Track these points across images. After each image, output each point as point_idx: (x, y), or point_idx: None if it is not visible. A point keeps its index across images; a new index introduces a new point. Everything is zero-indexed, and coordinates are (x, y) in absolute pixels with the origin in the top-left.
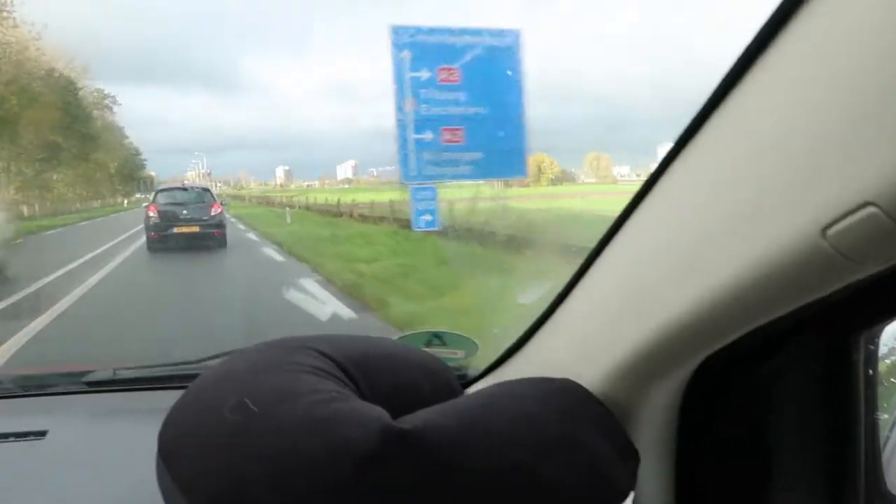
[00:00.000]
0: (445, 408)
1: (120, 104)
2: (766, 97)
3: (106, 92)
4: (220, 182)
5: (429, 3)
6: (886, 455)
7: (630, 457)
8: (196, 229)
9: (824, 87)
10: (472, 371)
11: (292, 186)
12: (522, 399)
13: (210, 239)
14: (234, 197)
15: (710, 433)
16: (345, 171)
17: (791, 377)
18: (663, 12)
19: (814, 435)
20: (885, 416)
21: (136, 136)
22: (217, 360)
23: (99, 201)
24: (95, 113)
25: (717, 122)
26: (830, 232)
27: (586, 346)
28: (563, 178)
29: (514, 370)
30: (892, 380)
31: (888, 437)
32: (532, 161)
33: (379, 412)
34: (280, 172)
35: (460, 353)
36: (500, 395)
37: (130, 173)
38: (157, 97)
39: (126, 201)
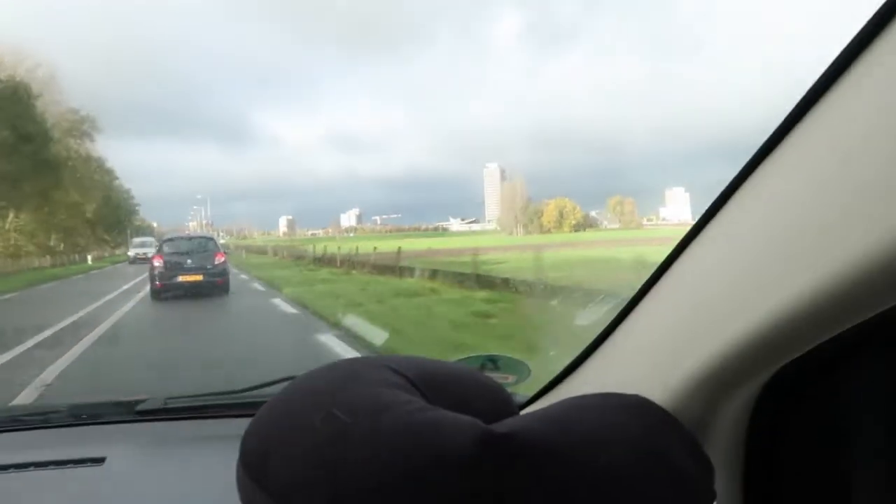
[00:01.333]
0: (534, 415)
1: (101, 130)
2: (851, 110)
3: (84, 114)
4: (222, 231)
5: (432, 59)
6: None
7: (707, 470)
8: (200, 278)
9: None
10: (521, 397)
11: (296, 235)
12: (600, 409)
13: (213, 287)
14: (243, 247)
15: (781, 447)
16: (349, 219)
17: (865, 388)
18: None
19: (891, 449)
20: None
21: (140, 188)
22: (269, 387)
23: (77, 255)
24: (70, 142)
25: (797, 134)
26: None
27: (653, 362)
28: (586, 223)
29: (568, 392)
30: None
31: None
32: (553, 206)
33: (474, 420)
34: (283, 222)
35: (511, 378)
36: (580, 405)
37: (119, 219)
38: (162, 149)
39: (90, 258)
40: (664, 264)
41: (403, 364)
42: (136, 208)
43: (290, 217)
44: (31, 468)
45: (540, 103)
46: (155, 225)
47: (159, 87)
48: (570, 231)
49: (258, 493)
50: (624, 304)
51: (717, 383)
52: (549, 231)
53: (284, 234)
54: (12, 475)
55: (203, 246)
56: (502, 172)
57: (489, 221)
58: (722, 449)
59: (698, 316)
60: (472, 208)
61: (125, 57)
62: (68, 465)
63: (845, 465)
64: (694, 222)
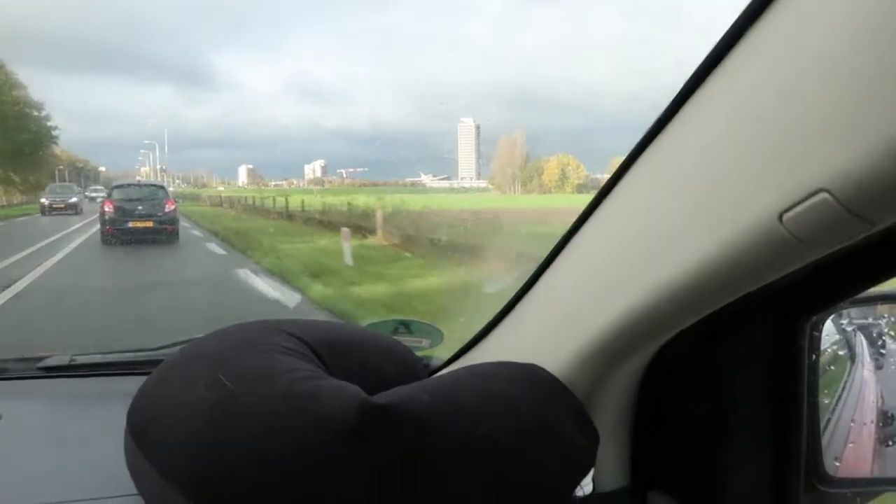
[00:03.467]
0: (417, 386)
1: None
2: (726, 97)
3: None
4: (178, 178)
5: (404, 5)
6: (826, 438)
7: (592, 437)
8: (150, 224)
9: (779, 88)
10: (436, 361)
11: (260, 185)
12: (492, 378)
13: (163, 234)
14: (192, 198)
15: (664, 414)
16: (313, 171)
17: (741, 360)
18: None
19: (761, 416)
20: (826, 401)
21: (89, 130)
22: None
23: None
24: None
25: (678, 121)
26: (787, 217)
27: (550, 334)
28: (589, 184)
29: (478, 358)
30: (830, 367)
31: (828, 421)
32: (555, 163)
33: (356, 389)
34: (243, 171)
35: (425, 342)
36: (469, 374)
37: (29, 152)
38: (113, 88)
39: None
40: (565, 237)
41: (307, 329)
42: (55, 139)
43: (250, 167)
44: None
45: (520, 59)
46: (103, 169)
47: (109, 18)
48: (573, 192)
49: (139, 456)
50: (530, 274)
51: (606, 355)
52: (549, 191)
53: (244, 184)
54: None
55: (153, 194)
56: (477, 128)
57: (462, 178)
58: (610, 418)
59: (590, 290)
60: (443, 164)
61: None
62: None
63: (718, 431)
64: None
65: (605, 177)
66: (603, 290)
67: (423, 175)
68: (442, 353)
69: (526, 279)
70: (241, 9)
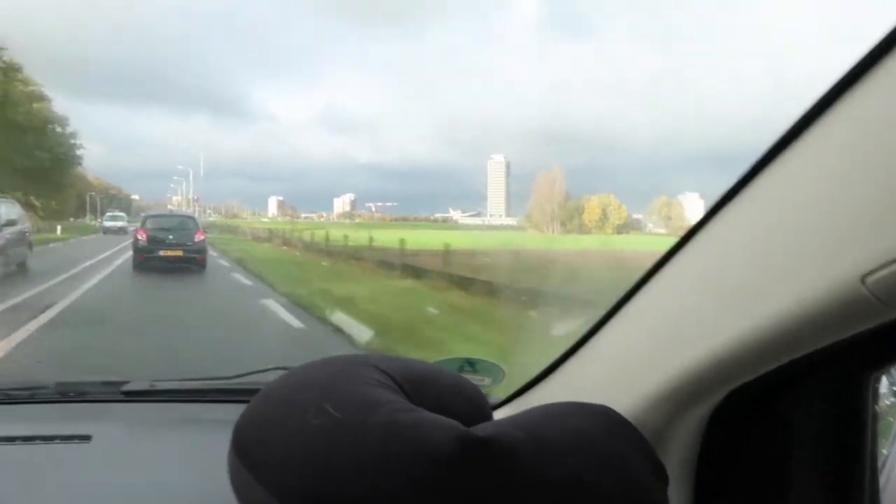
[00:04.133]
0: (506, 421)
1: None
2: (814, 158)
3: None
4: (210, 209)
5: (437, 41)
6: (881, 485)
7: (663, 479)
8: (180, 253)
9: (867, 152)
10: (494, 398)
11: (289, 217)
12: (570, 417)
13: (192, 263)
14: (229, 230)
15: (728, 458)
16: (343, 204)
17: (807, 408)
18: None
19: (825, 465)
20: (884, 451)
21: (123, 158)
22: (256, 375)
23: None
24: None
25: (768, 175)
26: (870, 279)
27: (622, 374)
28: (630, 225)
29: (541, 397)
30: (889, 419)
31: (882, 467)
32: (597, 202)
33: (454, 422)
34: (273, 203)
35: (487, 381)
36: (547, 413)
37: (56, 176)
38: (148, 117)
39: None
40: (638, 283)
41: (389, 363)
42: (79, 160)
43: (280, 198)
44: (18, 442)
45: (552, 95)
46: (136, 197)
47: (149, 48)
48: (614, 232)
49: (251, 481)
50: (598, 317)
51: (677, 399)
52: (589, 231)
53: (274, 215)
54: (1, 448)
55: (184, 224)
56: (508, 165)
57: (492, 215)
58: (677, 460)
59: (664, 335)
60: (472, 200)
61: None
62: (55, 441)
63: (781, 480)
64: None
65: (645, 217)
66: (678, 335)
67: (451, 211)
68: (497, 391)
69: (593, 322)
70: (277, 42)
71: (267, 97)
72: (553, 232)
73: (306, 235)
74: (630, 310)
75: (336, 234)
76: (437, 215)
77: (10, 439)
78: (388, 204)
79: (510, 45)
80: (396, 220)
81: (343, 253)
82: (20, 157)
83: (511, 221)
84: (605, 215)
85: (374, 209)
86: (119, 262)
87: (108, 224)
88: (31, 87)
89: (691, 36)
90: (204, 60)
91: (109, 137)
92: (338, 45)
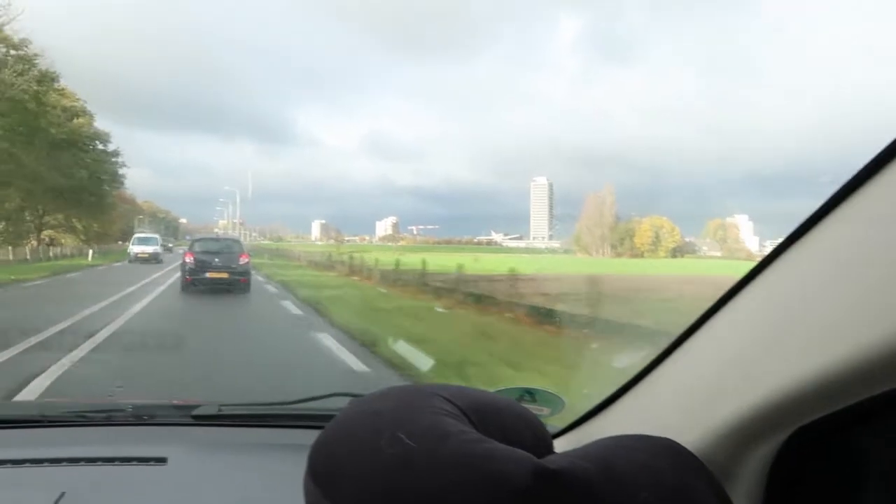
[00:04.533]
0: (575, 453)
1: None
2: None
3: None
4: (255, 232)
5: (479, 66)
6: None
7: None
8: (226, 276)
9: None
10: (551, 428)
11: (332, 240)
12: (637, 450)
13: (236, 284)
14: (279, 254)
15: (797, 497)
16: (385, 227)
17: (881, 445)
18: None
19: None
20: None
21: (172, 182)
22: (317, 401)
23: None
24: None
25: (848, 207)
26: None
27: (686, 408)
28: (684, 248)
29: (601, 428)
30: None
31: None
32: (648, 225)
33: (526, 453)
34: (316, 226)
35: (546, 411)
36: (617, 444)
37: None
38: (201, 144)
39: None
40: (704, 315)
41: (454, 393)
42: (122, 179)
43: (323, 221)
44: (100, 463)
45: (596, 118)
46: (184, 221)
47: (198, 79)
48: (667, 256)
49: (325, 501)
50: (660, 349)
51: (745, 433)
52: (641, 254)
53: (317, 238)
54: (83, 468)
55: (229, 247)
56: (550, 187)
57: (535, 238)
58: (744, 495)
59: (733, 368)
60: (514, 223)
61: (158, 43)
62: (133, 463)
63: None
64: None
65: (699, 240)
66: (748, 370)
67: (494, 234)
68: (554, 421)
69: (654, 354)
70: (324, 69)
71: (312, 123)
72: (603, 255)
73: (366, 260)
74: (695, 342)
75: (387, 259)
76: (481, 238)
77: (92, 460)
78: (430, 227)
79: (555, 70)
80: (440, 242)
81: (401, 279)
82: (57, 174)
83: (554, 244)
84: (657, 238)
85: (415, 232)
86: (141, 306)
87: (136, 249)
88: (71, 102)
89: (739, 57)
90: (252, 88)
91: (160, 163)
92: (382, 72)
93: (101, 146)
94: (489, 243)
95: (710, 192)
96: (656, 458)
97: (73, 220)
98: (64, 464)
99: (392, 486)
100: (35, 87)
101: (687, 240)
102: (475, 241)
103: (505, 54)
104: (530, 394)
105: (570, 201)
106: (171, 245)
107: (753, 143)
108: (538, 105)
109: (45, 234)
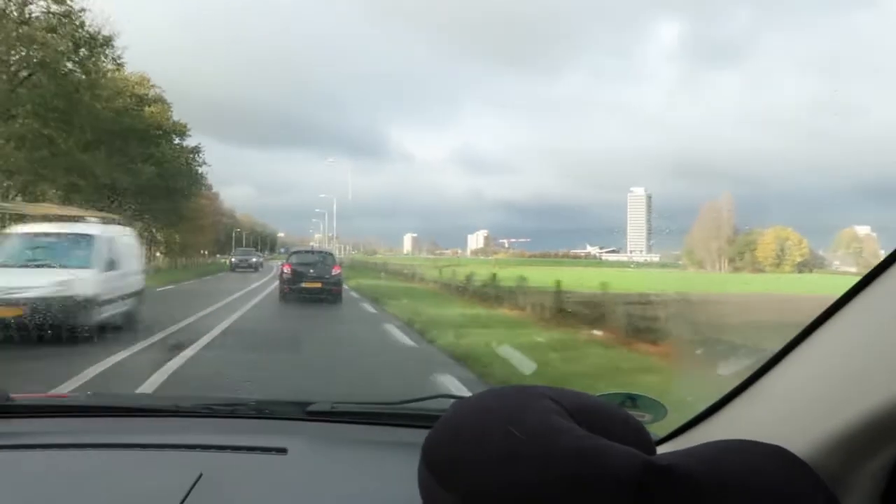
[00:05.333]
0: (682, 452)
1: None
2: None
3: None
4: (348, 245)
5: (573, 76)
6: None
7: None
8: (320, 285)
9: None
10: (653, 435)
11: (423, 255)
12: (745, 455)
13: (329, 294)
14: (403, 278)
15: None
16: (476, 240)
17: None
18: None
19: None
20: None
21: (271, 198)
22: (423, 402)
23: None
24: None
25: None
26: None
27: (796, 416)
28: (812, 262)
29: (702, 435)
30: None
31: None
32: (772, 236)
33: (635, 450)
34: (408, 240)
35: (648, 417)
36: (723, 448)
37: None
38: (299, 160)
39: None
40: (814, 323)
41: (559, 395)
42: (203, 178)
43: (414, 235)
44: (228, 450)
45: (696, 126)
46: (282, 235)
47: (296, 99)
48: (793, 271)
49: (447, 497)
50: (767, 357)
51: (859, 444)
52: (763, 269)
53: (408, 252)
54: (214, 454)
55: (323, 259)
56: (649, 198)
57: (632, 251)
58: None
59: (847, 377)
60: (609, 236)
61: (258, 62)
62: (256, 451)
63: None
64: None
65: (829, 253)
66: (862, 378)
67: (588, 247)
68: (655, 429)
69: (761, 362)
70: (415, 84)
71: (404, 137)
72: (720, 270)
73: (473, 277)
74: (806, 350)
75: (485, 272)
76: (577, 251)
77: (221, 447)
78: (522, 240)
79: (651, 78)
80: (535, 256)
81: (534, 300)
82: (115, 169)
83: (654, 258)
84: (781, 251)
85: (507, 245)
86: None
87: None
88: (144, 90)
89: (855, 59)
90: (347, 105)
91: (260, 179)
92: (473, 84)
93: (177, 141)
94: (586, 256)
95: (825, 202)
96: (766, 463)
97: (154, 229)
98: (198, 450)
99: (506, 477)
100: (72, 46)
101: (819, 253)
102: (572, 254)
103: (599, 63)
104: (632, 399)
105: (670, 213)
106: (260, 259)
107: (868, 150)
108: (634, 114)
109: None
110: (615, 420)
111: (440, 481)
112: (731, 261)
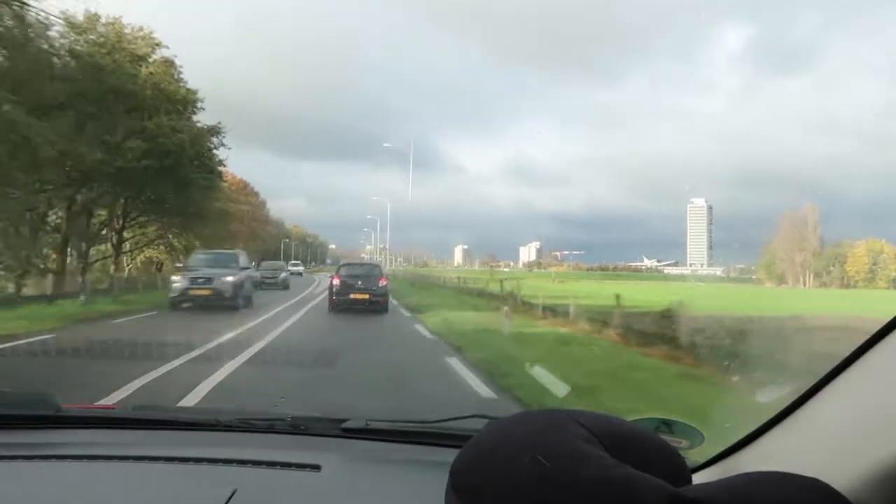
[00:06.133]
0: (716, 484)
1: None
2: None
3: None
4: (400, 257)
5: (628, 84)
6: None
7: None
8: (367, 297)
9: None
10: (690, 462)
11: (474, 267)
12: (780, 487)
13: (376, 305)
14: (421, 285)
15: None
16: (528, 252)
17: None
18: None
19: None
20: None
21: (323, 209)
22: (458, 421)
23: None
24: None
25: None
26: None
27: (836, 448)
28: None
29: (740, 463)
30: None
31: None
32: (864, 249)
33: (663, 482)
34: (458, 251)
35: (685, 443)
36: (758, 480)
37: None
38: (353, 172)
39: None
40: (856, 353)
41: (590, 419)
42: (222, 163)
43: (465, 247)
44: (263, 466)
45: (761, 135)
46: (333, 246)
47: (355, 108)
48: (889, 286)
49: None
50: (808, 385)
51: None
52: (854, 284)
53: (459, 264)
54: (249, 469)
55: (371, 271)
56: (710, 209)
57: (692, 264)
58: None
59: (888, 409)
60: (667, 248)
61: (316, 77)
62: (292, 468)
63: None
64: None
65: None
66: None
67: (645, 259)
68: (693, 455)
69: (801, 391)
70: (468, 94)
71: (455, 149)
72: (805, 285)
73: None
74: (848, 379)
75: (544, 286)
76: (634, 263)
77: (257, 463)
78: (576, 252)
79: (713, 86)
80: (593, 269)
81: (636, 327)
82: (103, 151)
83: (715, 271)
84: (874, 265)
85: (559, 257)
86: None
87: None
88: (146, 47)
89: None
90: (399, 116)
91: (311, 191)
92: (527, 95)
93: (194, 117)
94: (647, 269)
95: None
96: (801, 496)
97: (170, 234)
98: (234, 464)
99: (534, 502)
100: None
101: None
102: (632, 266)
103: (658, 71)
104: (667, 425)
105: (733, 225)
106: (299, 270)
107: None
108: (695, 122)
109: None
110: (650, 447)
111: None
112: (818, 275)
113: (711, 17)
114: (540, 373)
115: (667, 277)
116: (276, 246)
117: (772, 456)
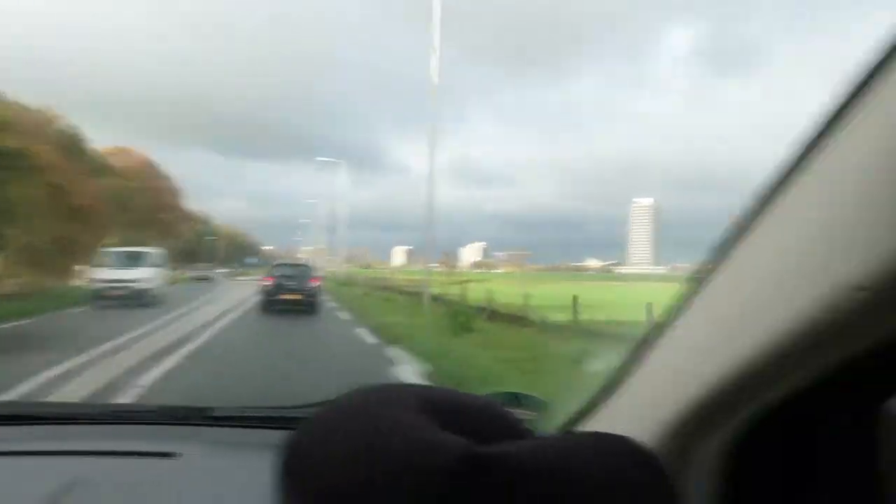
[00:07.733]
0: (512, 443)
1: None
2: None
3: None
4: (339, 258)
5: (575, 85)
6: None
7: None
8: (299, 297)
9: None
10: (542, 434)
11: (417, 267)
12: (583, 444)
13: (307, 305)
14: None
15: (753, 488)
16: (472, 253)
17: (822, 448)
18: None
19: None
20: None
21: (258, 209)
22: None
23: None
24: None
25: (781, 196)
26: (863, 285)
27: (649, 405)
28: None
29: (587, 430)
30: None
31: None
32: None
33: (461, 440)
34: (399, 252)
35: (534, 416)
36: (564, 439)
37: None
38: (295, 173)
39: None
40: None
41: (429, 392)
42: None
43: (410, 248)
44: (116, 455)
45: (709, 136)
46: (270, 248)
47: (301, 109)
48: None
49: (295, 500)
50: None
51: (695, 423)
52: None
53: (402, 265)
54: (98, 459)
55: (303, 272)
56: (656, 210)
57: (635, 263)
58: (698, 488)
59: (679, 361)
60: (611, 248)
61: (262, 77)
62: (146, 457)
63: None
64: None
65: None
66: (685, 363)
67: (589, 259)
68: (545, 427)
69: (625, 356)
70: (416, 92)
71: (400, 149)
72: None
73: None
74: (662, 341)
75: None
76: (577, 263)
77: (102, 453)
78: (522, 252)
79: (662, 87)
80: (544, 270)
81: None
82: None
83: (661, 270)
84: None
85: (504, 257)
86: None
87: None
88: None
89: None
90: (344, 116)
91: (251, 191)
92: (476, 94)
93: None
94: (602, 270)
95: None
96: (603, 451)
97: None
98: (81, 455)
99: (339, 480)
100: None
101: None
102: (580, 266)
103: (606, 72)
104: (516, 397)
105: (680, 224)
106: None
107: None
108: (641, 125)
109: None
110: (490, 418)
111: (288, 488)
112: None
113: (661, 18)
114: None
115: (615, 277)
116: (197, 244)
117: (605, 424)
